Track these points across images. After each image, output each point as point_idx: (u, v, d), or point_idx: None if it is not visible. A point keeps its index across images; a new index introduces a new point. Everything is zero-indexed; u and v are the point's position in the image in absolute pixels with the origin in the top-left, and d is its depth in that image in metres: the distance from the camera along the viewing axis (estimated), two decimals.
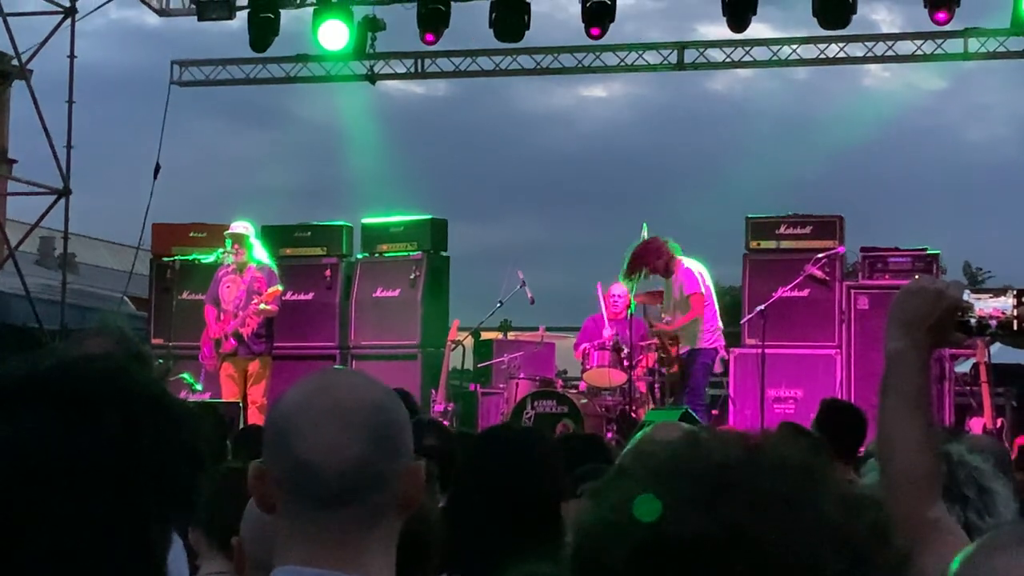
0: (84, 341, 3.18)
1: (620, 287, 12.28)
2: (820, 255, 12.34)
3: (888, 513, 1.20)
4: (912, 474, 2.23)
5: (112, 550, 1.40)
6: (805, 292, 12.41)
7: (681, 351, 11.53)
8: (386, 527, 1.94)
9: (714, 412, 12.23)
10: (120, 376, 1.48)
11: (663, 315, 11.82)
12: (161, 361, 11.51)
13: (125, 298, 17.28)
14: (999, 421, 11.17)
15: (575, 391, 12.05)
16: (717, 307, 11.66)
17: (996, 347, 12.15)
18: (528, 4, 14.52)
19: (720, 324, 11.69)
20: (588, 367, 11.90)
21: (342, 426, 1.90)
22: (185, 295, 13.33)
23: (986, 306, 2.25)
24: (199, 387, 11.76)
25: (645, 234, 11.58)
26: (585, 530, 1.18)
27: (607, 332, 12.00)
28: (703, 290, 11.44)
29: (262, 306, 11.73)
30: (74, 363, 1.48)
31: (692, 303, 11.37)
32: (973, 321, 2.29)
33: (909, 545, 1.20)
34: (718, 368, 11.61)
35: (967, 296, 2.28)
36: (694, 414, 10.68)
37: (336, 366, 12.87)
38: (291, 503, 1.92)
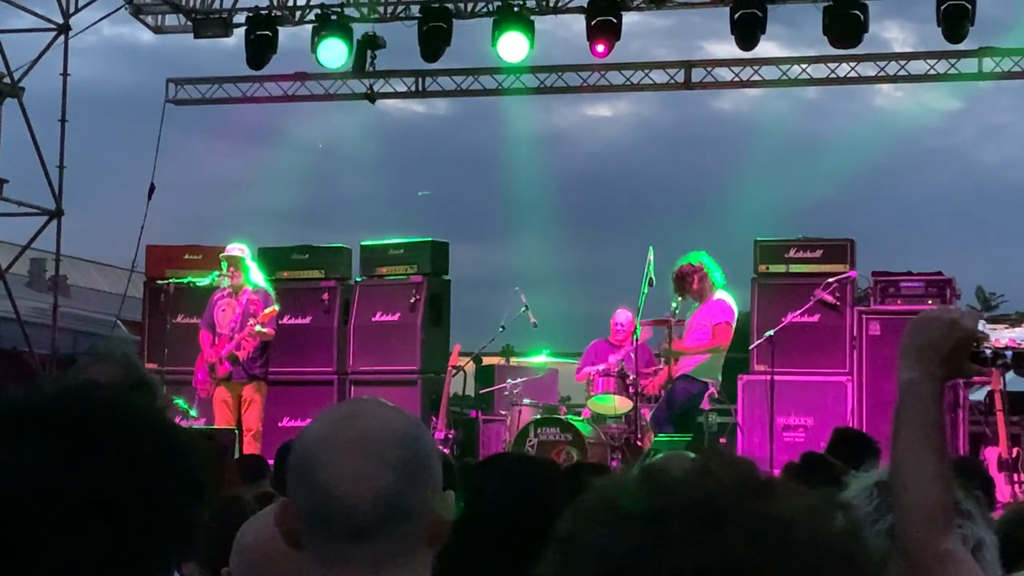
0: (88, 368, 3.19)
1: (624, 314, 12.29)
2: (831, 279, 12.34)
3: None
4: (925, 505, 2.23)
5: None
6: (815, 317, 12.40)
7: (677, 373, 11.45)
8: (416, 560, 1.93)
9: (722, 440, 12.21)
10: (121, 405, 1.48)
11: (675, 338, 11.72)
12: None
13: (118, 321, 17.27)
14: (1015, 451, 11.14)
15: (579, 418, 12.05)
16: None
17: (1011, 374, 12.13)
18: (532, 22, 14.57)
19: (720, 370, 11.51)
20: (593, 394, 11.91)
21: (368, 457, 1.89)
22: (179, 319, 13.33)
23: (1002, 336, 2.27)
24: (194, 413, 11.76)
25: (651, 257, 11.57)
26: None
27: (613, 358, 11.99)
28: (732, 321, 11.32)
29: (258, 327, 11.72)
30: (74, 392, 1.48)
31: (716, 331, 11.25)
32: (988, 352, 2.30)
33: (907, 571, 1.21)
34: (705, 405, 11.44)
35: (982, 326, 2.29)
36: (659, 430, 10.85)
37: (362, 396, 12.89)
38: (317, 536, 1.91)
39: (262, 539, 2.43)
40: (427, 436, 2.00)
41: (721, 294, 11.45)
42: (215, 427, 11.29)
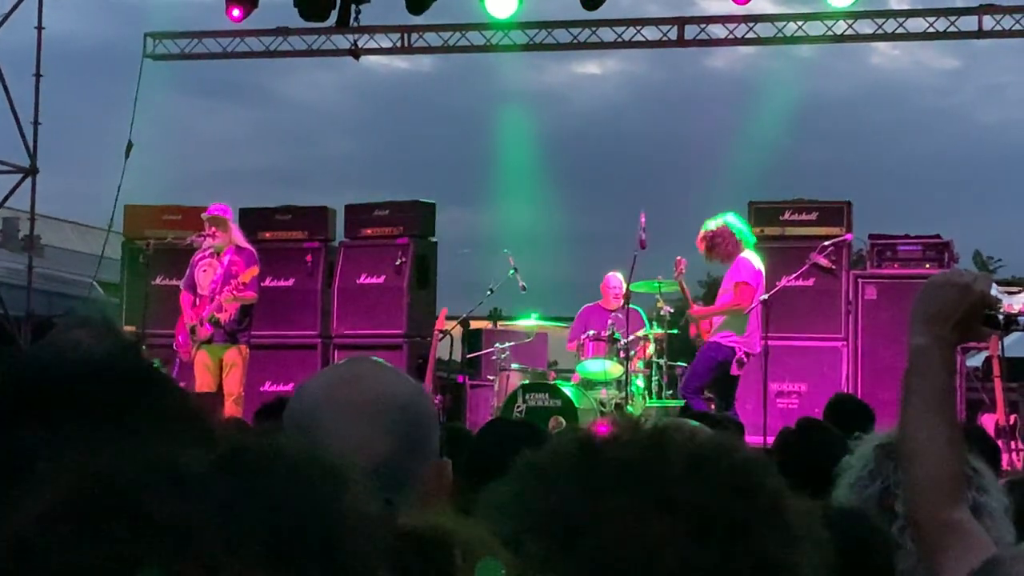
0: (67, 332, 3.15)
1: (617, 278, 12.29)
2: (826, 242, 12.34)
3: (743, 453, 1.14)
4: (936, 475, 2.23)
5: None
6: (810, 281, 12.40)
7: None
8: None
9: (712, 406, 12.22)
10: (153, 386, 1.47)
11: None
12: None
13: (95, 283, 17.23)
14: (1012, 418, 11.18)
15: (569, 384, 12.06)
16: (759, 310, 11.05)
17: (1009, 340, 12.16)
18: None
19: (754, 332, 11.00)
20: (582, 358, 11.92)
21: (369, 423, 1.87)
22: (159, 280, 13.31)
23: (1015, 301, 2.26)
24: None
25: (643, 219, 11.54)
26: None
27: (611, 320, 11.95)
28: (751, 282, 10.91)
29: (235, 295, 11.60)
30: (105, 370, 1.46)
31: (735, 291, 10.90)
32: (1001, 317, 2.30)
33: (778, 484, 1.15)
34: (735, 370, 10.94)
35: (994, 290, 2.29)
36: (688, 402, 10.72)
37: (364, 356, 12.85)
38: None
39: None
40: (429, 403, 1.99)
41: (747, 253, 11.08)
42: (195, 392, 11.28)
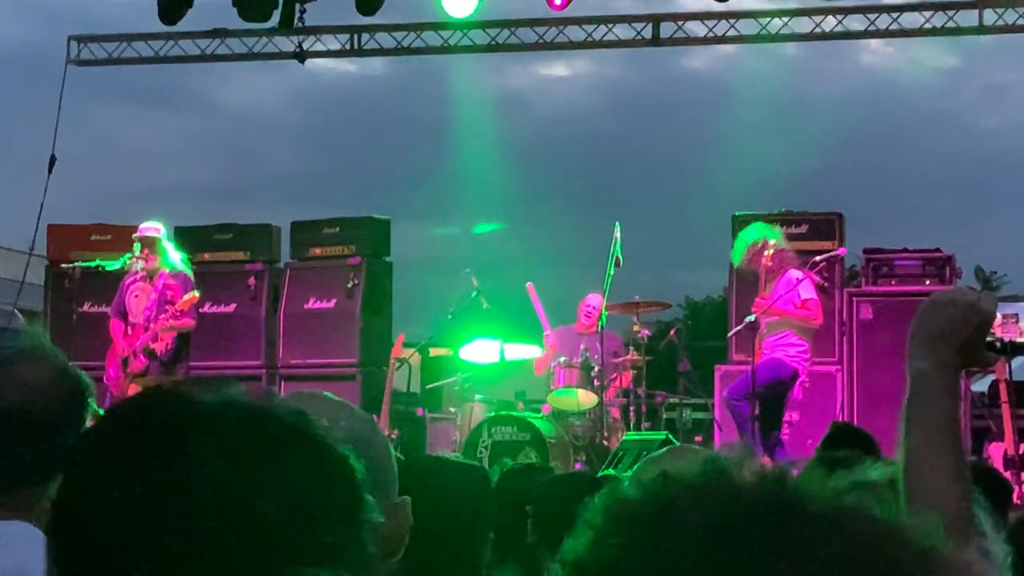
0: (15, 364, 3.11)
1: (595, 298, 12.28)
2: (817, 258, 12.34)
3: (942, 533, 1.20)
4: (940, 511, 2.23)
5: None
6: None
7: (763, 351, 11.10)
8: None
9: (698, 438, 12.24)
10: (302, 421, 1.55)
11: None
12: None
13: (16, 311, 17.12)
14: (1021, 447, 11.22)
15: (538, 415, 12.06)
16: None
17: (1017, 363, 12.23)
18: None
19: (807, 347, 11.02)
20: (553, 387, 11.91)
21: None
22: (87, 307, 13.25)
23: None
24: (103, 413, 11.68)
25: (618, 234, 11.57)
26: None
27: (583, 346, 11.93)
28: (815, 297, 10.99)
29: (171, 323, 11.61)
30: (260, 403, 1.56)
31: (808, 305, 10.91)
32: (1007, 339, 2.31)
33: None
34: (797, 395, 11.10)
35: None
36: (734, 407, 10.72)
37: (308, 391, 12.79)
38: None
39: None
40: (380, 438, 1.96)
41: (796, 271, 11.15)
42: None
